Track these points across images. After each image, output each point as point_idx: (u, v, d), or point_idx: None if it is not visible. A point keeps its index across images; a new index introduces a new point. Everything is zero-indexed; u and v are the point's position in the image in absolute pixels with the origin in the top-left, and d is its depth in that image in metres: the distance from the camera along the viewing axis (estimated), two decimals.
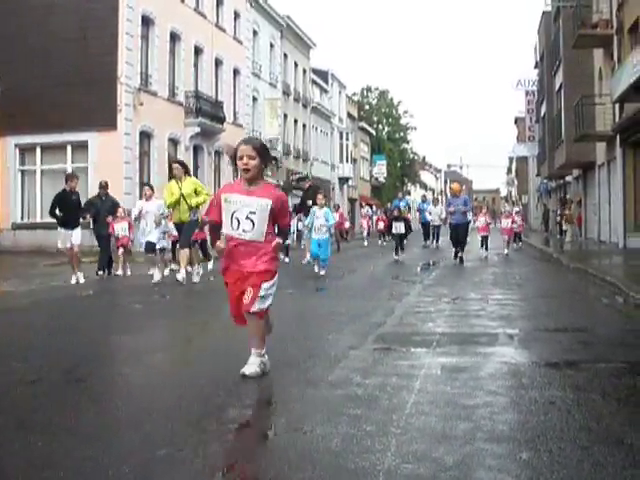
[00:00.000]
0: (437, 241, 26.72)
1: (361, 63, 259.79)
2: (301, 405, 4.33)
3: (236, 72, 33.89)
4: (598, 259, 18.24)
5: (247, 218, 4.93)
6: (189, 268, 12.76)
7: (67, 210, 12.87)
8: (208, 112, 28.78)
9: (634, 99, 20.08)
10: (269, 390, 4.70)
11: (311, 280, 13.11)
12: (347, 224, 35.88)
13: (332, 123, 52.74)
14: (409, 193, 70.93)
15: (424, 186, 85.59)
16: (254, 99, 36.26)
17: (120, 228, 14.46)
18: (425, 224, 27.99)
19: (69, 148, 23.95)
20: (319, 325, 7.83)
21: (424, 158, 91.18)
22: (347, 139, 55.03)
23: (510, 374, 5.12)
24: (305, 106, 45.71)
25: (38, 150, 24.30)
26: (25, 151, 24.58)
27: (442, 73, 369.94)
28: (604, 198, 27.56)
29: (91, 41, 22.94)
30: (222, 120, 30.08)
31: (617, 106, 23.52)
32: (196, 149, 29.15)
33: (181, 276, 12.06)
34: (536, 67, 47.23)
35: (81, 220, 13.47)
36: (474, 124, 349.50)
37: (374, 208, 48.08)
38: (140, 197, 13.79)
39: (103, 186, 14.87)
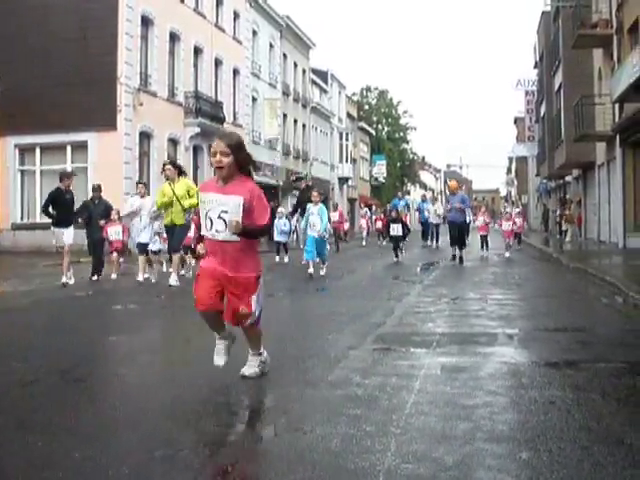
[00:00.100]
0: (437, 241, 26.56)
1: (361, 63, 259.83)
2: (301, 405, 4.33)
3: (236, 72, 33.89)
4: (598, 259, 18.24)
5: (219, 217, 4.68)
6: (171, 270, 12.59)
7: (60, 209, 12.71)
8: (208, 112, 28.78)
9: (634, 99, 20.08)
10: (268, 390, 4.70)
11: (311, 280, 13.09)
12: (346, 225, 35.78)
13: (332, 123, 52.73)
14: (409, 193, 70.95)
15: (424, 186, 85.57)
16: (254, 99, 36.25)
17: (114, 232, 14.15)
18: (424, 223, 27.89)
19: (69, 148, 23.95)
20: (319, 325, 7.83)
21: (424, 158, 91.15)
22: (347, 139, 55.02)
23: (510, 374, 5.12)
24: (305, 106, 45.70)
25: (38, 150, 24.29)
26: (25, 151, 24.58)
27: (442, 73, 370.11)
28: (604, 198, 27.55)
29: (91, 41, 22.94)
30: (222, 120, 30.07)
31: (617, 106, 23.51)
32: (196, 149, 29.15)
33: (173, 280, 11.98)
34: (536, 67, 47.21)
35: (78, 222, 13.40)
36: (474, 124, 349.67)
37: (373, 208, 48.08)
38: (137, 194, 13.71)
39: (96, 189, 14.59)
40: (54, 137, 23.35)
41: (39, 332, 7.64)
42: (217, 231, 4.71)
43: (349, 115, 58.45)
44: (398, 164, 71.80)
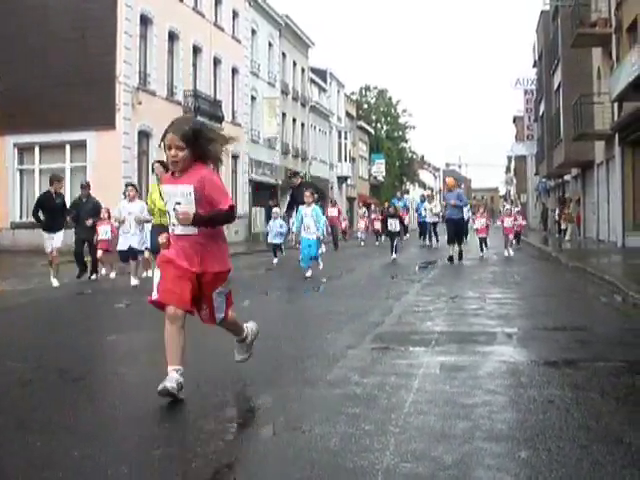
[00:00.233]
0: (431, 239, 26.29)
1: (360, 62, 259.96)
2: (299, 404, 4.32)
3: (235, 71, 33.88)
4: (597, 258, 18.25)
5: (174, 210, 4.41)
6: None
7: (50, 213, 12.54)
8: (207, 111, 28.77)
9: (633, 98, 20.08)
10: (267, 389, 4.70)
11: (308, 280, 13.07)
12: (344, 223, 35.71)
13: (331, 122, 52.73)
14: (407, 192, 70.93)
15: (423, 185, 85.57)
16: (253, 98, 36.24)
17: (103, 231, 13.96)
18: (422, 223, 27.77)
19: (68, 147, 23.95)
20: (317, 324, 7.82)
21: (423, 157, 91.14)
22: (346, 138, 55.04)
23: (509, 373, 5.12)
24: (304, 105, 45.69)
25: (37, 149, 24.29)
26: (24, 150, 24.57)
27: (441, 72, 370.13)
28: (603, 197, 27.55)
29: (90, 41, 22.94)
30: (221, 119, 30.07)
31: (616, 105, 23.52)
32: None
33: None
34: (535, 66, 47.21)
35: (67, 221, 13.18)
36: (473, 123, 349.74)
37: (372, 207, 48.07)
38: (126, 197, 13.08)
39: (84, 187, 14.31)
40: (53, 136, 23.36)
41: (38, 331, 7.64)
42: (174, 224, 4.46)
43: (348, 114, 58.45)
44: (397, 163, 71.82)
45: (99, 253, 13.92)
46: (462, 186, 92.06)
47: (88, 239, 13.90)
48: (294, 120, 43.64)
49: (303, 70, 45.86)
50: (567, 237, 30.77)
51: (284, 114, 41.29)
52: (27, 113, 22.60)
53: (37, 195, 23.48)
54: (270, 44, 39.14)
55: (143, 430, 3.84)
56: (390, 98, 71.84)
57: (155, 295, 4.56)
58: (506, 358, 5.65)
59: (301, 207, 14.02)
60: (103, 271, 14.07)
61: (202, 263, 4.43)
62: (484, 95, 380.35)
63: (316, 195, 14.60)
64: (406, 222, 33.48)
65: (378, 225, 29.85)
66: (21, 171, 24.75)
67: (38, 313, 9.44)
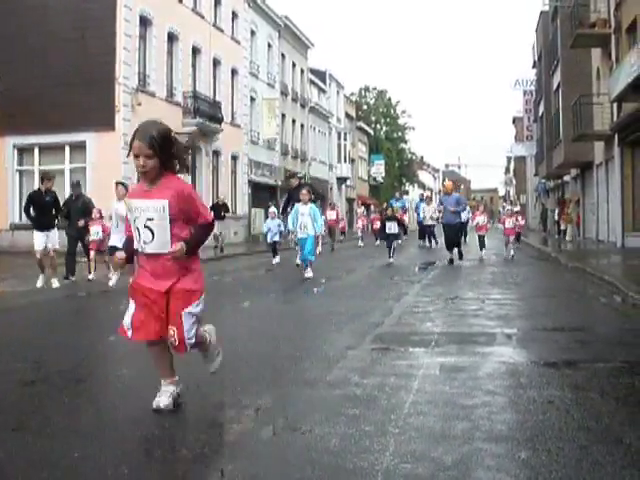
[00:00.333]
0: (430, 241, 26.01)
1: (359, 63, 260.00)
2: (299, 405, 4.33)
3: (234, 72, 33.88)
4: (596, 258, 18.26)
5: (146, 227, 4.08)
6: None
7: (40, 211, 12.50)
8: (206, 112, 28.77)
9: (632, 98, 20.09)
10: (267, 390, 4.70)
11: (307, 280, 13.05)
12: (342, 223, 35.71)
13: (330, 123, 52.74)
14: (407, 193, 70.91)
15: (422, 186, 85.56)
16: (252, 99, 36.24)
17: (94, 231, 13.68)
18: (421, 223, 27.61)
19: (67, 148, 23.94)
20: (317, 325, 7.83)
21: (422, 158, 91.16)
22: (345, 139, 55.04)
23: (508, 374, 5.12)
24: (303, 106, 45.70)
25: (36, 150, 24.27)
26: (23, 151, 24.56)
27: (440, 73, 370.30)
28: (602, 197, 27.56)
29: (89, 41, 22.93)
30: (220, 120, 30.07)
31: (615, 105, 23.53)
32: (194, 149, 29.12)
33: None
34: (534, 67, 47.24)
35: (57, 221, 13.04)
36: (472, 124, 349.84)
37: (372, 208, 48.05)
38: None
39: (74, 185, 14.19)
40: (52, 137, 23.34)
41: (38, 332, 7.64)
42: (144, 242, 4.11)
43: (347, 115, 58.46)
44: (397, 164, 71.81)
45: (91, 254, 13.80)
46: (462, 187, 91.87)
47: (80, 239, 13.76)
48: (293, 121, 43.65)
49: (302, 71, 45.87)
50: (568, 238, 30.75)
51: (283, 115, 41.29)
52: (27, 114, 22.60)
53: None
54: (269, 45, 39.15)
55: (143, 431, 3.84)
56: (390, 99, 71.86)
57: (129, 332, 4.21)
58: (506, 359, 5.65)
59: (297, 205, 13.77)
60: (91, 276, 13.64)
61: (172, 280, 4.13)
62: (483, 96, 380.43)
63: (312, 195, 14.30)
64: (406, 223, 33.43)
65: (378, 225, 29.71)
66: (20, 172, 24.74)
67: (38, 314, 9.44)
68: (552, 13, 34.95)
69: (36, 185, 23.80)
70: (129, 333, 4.20)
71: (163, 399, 4.15)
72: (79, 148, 23.66)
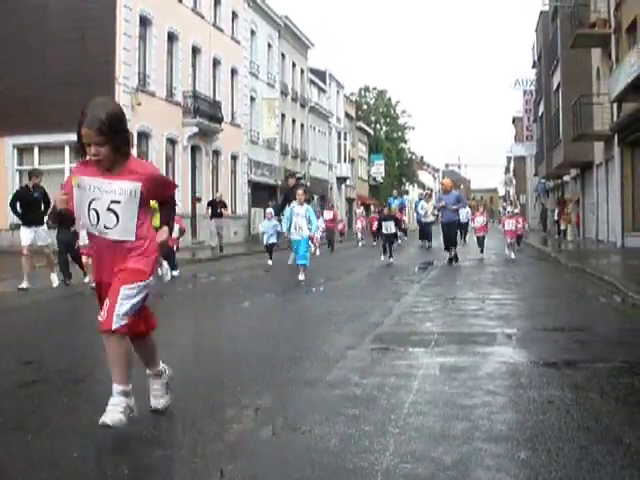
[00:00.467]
0: (430, 240, 25.39)
1: (359, 63, 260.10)
2: (299, 405, 4.33)
3: (234, 72, 33.87)
4: (596, 258, 18.26)
5: (109, 210, 3.72)
6: None
7: (28, 207, 12.45)
8: (206, 112, 28.76)
9: (632, 98, 20.09)
10: (267, 390, 4.70)
11: (302, 283, 12.90)
12: (341, 225, 35.64)
13: (330, 123, 52.73)
14: (407, 192, 70.89)
15: (422, 186, 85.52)
16: (252, 99, 36.23)
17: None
18: (421, 222, 27.28)
19: (67, 148, 23.91)
20: (317, 325, 7.83)
21: (422, 158, 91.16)
22: (345, 139, 55.02)
23: (508, 374, 5.12)
24: (303, 106, 45.69)
25: (36, 150, 24.25)
26: (23, 151, 24.55)
27: (440, 73, 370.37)
28: (602, 197, 27.56)
29: (89, 41, 22.93)
30: (220, 120, 30.07)
31: (615, 105, 23.53)
32: (194, 149, 29.13)
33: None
34: (534, 67, 47.24)
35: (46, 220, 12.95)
36: (472, 124, 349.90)
37: (372, 208, 48.01)
38: None
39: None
40: (52, 137, 23.28)
41: (38, 332, 7.64)
42: (106, 227, 3.75)
43: (347, 115, 58.45)
44: (396, 164, 71.79)
45: (84, 259, 13.63)
46: (461, 187, 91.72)
47: (70, 242, 13.54)
48: (293, 121, 43.64)
49: (302, 71, 45.86)
50: (570, 238, 30.72)
51: (283, 115, 41.29)
52: (26, 114, 22.58)
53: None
54: (269, 45, 39.14)
55: (143, 431, 3.84)
56: (389, 99, 71.83)
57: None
58: (506, 359, 5.65)
59: (292, 205, 13.54)
60: (87, 279, 13.46)
61: (118, 262, 3.77)
62: (483, 96, 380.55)
63: (310, 196, 14.10)
64: (405, 222, 33.29)
65: (376, 225, 29.45)
66: (20, 172, 24.72)
67: (38, 314, 9.44)
68: (552, 13, 34.94)
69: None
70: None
71: (108, 415, 3.64)
72: None
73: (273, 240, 17.86)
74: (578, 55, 29.02)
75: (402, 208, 31.09)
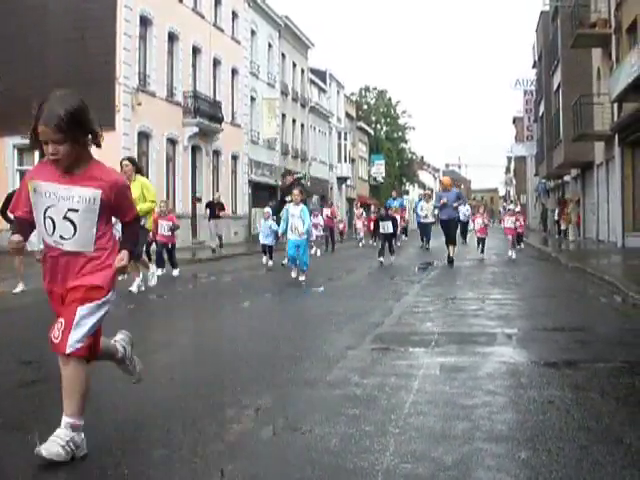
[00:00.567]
0: (429, 241, 25.15)
1: (359, 63, 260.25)
2: (299, 405, 4.32)
3: (234, 72, 33.87)
4: (596, 258, 18.25)
5: (65, 218, 3.39)
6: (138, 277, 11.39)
7: None
8: (206, 112, 28.77)
9: (632, 98, 20.09)
10: (267, 390, 4.69)
11: (302, 283, 12.94)
12: (341, 225, 35.56)
13: (330, 123, 52.73)
14: (407, 192, 70.89)
15: (423, 186, 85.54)
16: (252, 99, 36.24)
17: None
18: (420, 223, 27.12)
19: None
20: (317, 325, 7.82)
21: (422, 158, 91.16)
22: (345, 139, 55.03)
23: (509, 374, 5.12)
24: (303, 106, 45.70)
25: (36, 150, 24.27)
26: (23, 151, 24.54)
27: (440, 73, 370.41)
28: (602, 197, 27.56)
29: (89, 41, 22.94)
30: (220, 120, 30.07)
31: (615, 105, 23.53)
32: (194, 149, 29.14)
33: (135, 287, 11.13)
34: (534, 67, 47.24)
35: None
36: (472, 124, 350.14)
37: (372, 208, 47.95)
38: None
39: None
40: None
41: (38, 332, 7.62)
42: (62, 237, 3.42)
43: (348, 115, 58.46)
44: (397, 164, 71.79)
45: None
46: (462, 187, 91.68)
47: None
48: (294, 121, 43.65)
49: (303, 71, 45.87)
50: (571, 238, 30.69)
51: (284, 115, 41.30)
52: (27, 114, 22.35)
53: None
54: (270, 45, 39.14)
55: (143, 431, 3.84)
56: (390, 99, 71.84)
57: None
58: (506, 359, 5.65)
59: (288, 206, 13.33)
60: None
61: (72, 275, 3.47)
62: (484, 96, 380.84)
63: (307, 195, 13.84)
64: (406, 220, 33.20)
65: (372, 225, 29.25)
66: (20, 172, 24.73)
67: (38, 314, 9.42)
68: (552, 13, 34.95)
69: None
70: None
71: (50, 446, 3.31)
72: None
73: (269, 240, 17.54)
74: (578, 55, 29.02)
75: (403, 209, 31.05)
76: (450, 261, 16.65)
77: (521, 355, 5.83)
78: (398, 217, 25.35)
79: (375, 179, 65.81)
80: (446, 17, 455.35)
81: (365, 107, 69.58)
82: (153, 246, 14.72)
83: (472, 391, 4.60)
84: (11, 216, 12.33)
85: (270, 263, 17.35)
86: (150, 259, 14.15)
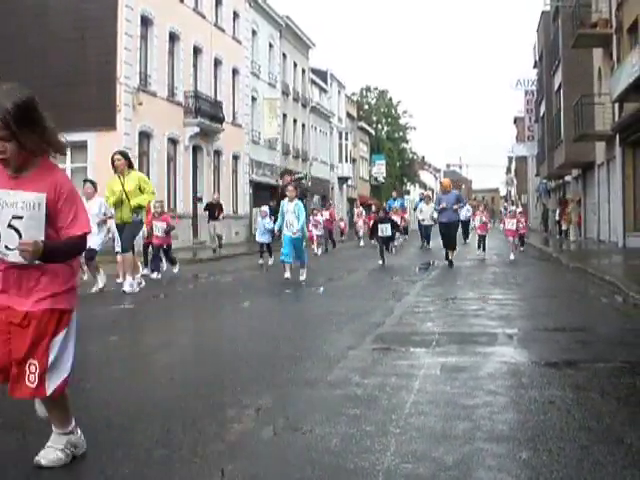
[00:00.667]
0: (429, 242, 25.14)
1: (360, 63, 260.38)
2: (300, 405, 4.32)
3: (235, 72, 33.87)
4: (597, 258, 18.24)
5: (10, 227, 3.05)
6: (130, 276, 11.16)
7: None
8: (207, 112, 28.77)
9: (633, 98, 20.07)
10: (267, 390, 4.69)
11: (290, 283, 12.66)
12: (342, 224, 35.60)
13: (331, 123, 52.73)
14: (408, 192, 70.86)
15: (423, 186, 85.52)
16: (253, 99, 36.23)
17: None
18: (420, 225, 27.04)
19: (68, 148, 23.94)
20: (317, 325, 7.82)
21: (423, 158, 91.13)
22: (346, 139, 55.01)
23: (509, 374, 5.11)
24: (304, 106, 45.69)
25: None
26: None
27: (441, 73, 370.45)
28: (603, 198, 27.55)
29: (90, 41, 22.94)
30: (221, 120, 30.07)
31: (616, 105, 23.52)
32: (195, 149, 29.14)
33: (128, 285, 10.89)
34: (535, 67, 47.22)
35: None
36: (473, 124, 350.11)
37: (373, 208, 47.91)
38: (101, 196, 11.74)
39: None
40: None
41: None
42: (7, 247, 3.06)
43: (349, 115, 58.45)
44: (398, 164, 71.79)
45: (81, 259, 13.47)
46: (463, 187, 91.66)
47: None
48: (295, 121, 43.64)
49: (304, 71, 45.86)
50: (572, 238, 30.66)
51: (285, 115, 41.29)
52: None
53: None
54: (271, 45, 39.14)
55: (143, 431, 3.83)
56: (391, 99, 71.83)
57: None
58: (507, 359, 5.64)
59: (283, 202, 13.21)
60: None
61: (26, 292, 3.12)
62: (484, 96, 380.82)
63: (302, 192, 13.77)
64: (406, 220, 33.15)
65: (370, 226, 29.12)
66: None
67: None
68: (553, 13, 34.93)
69: None
70: None
71: (48, 453, 3.26)
72: (80, 148, 23.60)
73: (265, 238, 17.50)
74: (579, 55, 29.01)
75: (404, 209, 31.04)
76: (450, 263, 16.39)
77: (522, 355, 5.83)
78: (399, 218, 25.43)
79: (376, 179, 65.80)
80: (447, 17, 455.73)
81: (366, 107, 69.57)
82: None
83: (473, 391, 4.59)
84: None
85: (270, 261, 17.41)
86: (147, 264, 14.12)
